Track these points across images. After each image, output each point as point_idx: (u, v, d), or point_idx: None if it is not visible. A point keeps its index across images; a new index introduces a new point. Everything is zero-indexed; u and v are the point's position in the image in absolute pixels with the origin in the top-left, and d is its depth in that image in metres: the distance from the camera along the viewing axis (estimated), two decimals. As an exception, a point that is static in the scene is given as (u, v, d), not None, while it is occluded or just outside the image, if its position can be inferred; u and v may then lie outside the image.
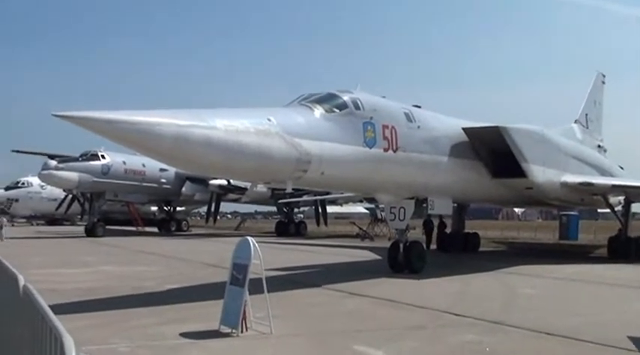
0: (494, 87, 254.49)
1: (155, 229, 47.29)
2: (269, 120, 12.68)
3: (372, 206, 46.85)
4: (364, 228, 42.06)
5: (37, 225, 61.06)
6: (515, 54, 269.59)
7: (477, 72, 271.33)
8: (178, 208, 49.51)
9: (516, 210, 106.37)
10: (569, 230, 41.65)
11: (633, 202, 25.10)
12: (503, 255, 27.58)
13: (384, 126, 15.27)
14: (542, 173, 20.33)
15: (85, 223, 41.94)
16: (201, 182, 42.07)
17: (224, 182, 39.54)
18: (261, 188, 33.17)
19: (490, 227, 49.07)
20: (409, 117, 16.39)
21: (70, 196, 44.89)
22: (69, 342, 2.64)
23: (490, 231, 43.82)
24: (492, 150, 19.15)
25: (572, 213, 40.29)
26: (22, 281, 4.20)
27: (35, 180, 51.45)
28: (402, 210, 16.56)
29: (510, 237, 43.58)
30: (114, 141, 11.24)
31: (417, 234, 24.15)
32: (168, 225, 47.06)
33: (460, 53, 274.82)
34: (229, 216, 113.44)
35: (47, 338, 3.07)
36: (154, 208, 51.17)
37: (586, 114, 32.89)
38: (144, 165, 40.08)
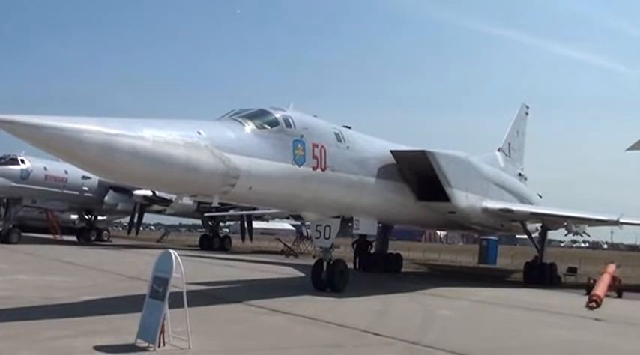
0: (425, 113, 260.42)
1: (74, 238, 45.84)
2: (199, 133, 12.64)
3: (298, 223, 46.95)
4: (289, 245, 42.03)
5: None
6: (445, 82, 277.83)
7: (408, 97, 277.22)
8: (100, 217, 48.18)
9: (439, 232, 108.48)
10: (488, 254, 42.74)
11: (549, 229, 26.07)
12: (424, 276, 28.07)
13: (314, 145, 15.40)
14: (464, 198, 20.87)
15: (-1, 229, 40.23)
16: (126, 192, 41.10)
17: (149, 193, 38.72)
18: (186, 201, 32.68)
19: (413, 248, 49.85)
20: (339, 138, 16.59)
21: (-16, 200, 43.01)
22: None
23: (412, 252, 44.52)
24: (418, 174, 19.54)
25: (491, 237, 41.32)
26: None
27: (-54, 183, 49.14)
28: (327, 228, 16.69)
29: (432, 259, 44.42)
30: (38, 147, 10.91)
31: (340, 252, 24.27)
32: (88, 235, 45.61)
33: (392, 77, 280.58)
34: (152, 227, 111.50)
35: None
36: (74, 216, 49.64)
37: (509, 143, 34.06)
38: (66, 172, 38.87)
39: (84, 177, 39.23)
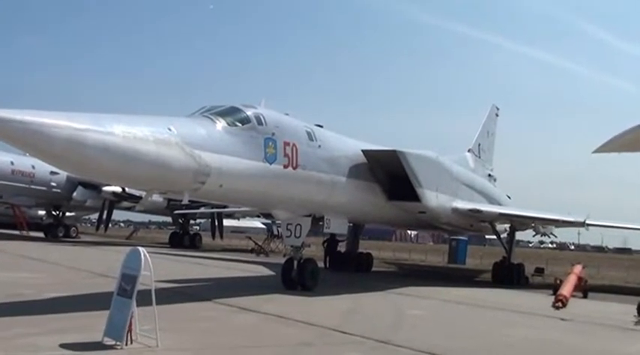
0: (395, 112, 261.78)
1: (41, 234, 45.14)
2: (169, 129, 12.54)
3: (269, 221, 46.79)
4: (260, 243, 41.94)
5: None
6: (416, 82, 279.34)
7: (378, 97, 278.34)
8: (68, 213, 47.50)
9: (410, 232, 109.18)
10: (458, 254, 43.04)
11: (517, 230, 26.37)
12: (394, 275, 28.21)
13: (286, 143, 15.38)
14: (434, 198, 21.00)
15: (-37, 225, 39.60)
16: (94, 188, 40.59)
17: (118, 189, 38.34)
18: (156, 198, 32.47)
19: (383, 248, 50.11)
20: (311, 136, 16.58)
21: (-52, 195, 42.17)
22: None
23: (383, 251, 44.75)
24: (389, 173, 19.62)
25: (461, 237, 41.63)
26: None
27: None
28: (298, 226, 16.69)
29: (402, 258, 44.66)
30: (4, 141, 10.75)
31: (310, 251, 24.28)
32: (56, 231, 44.88)
33: (362, 77, 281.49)
34: (122, 224, 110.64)
35: None
36: (42, 212, 48.93)
37: (479, 144, 34.35)
38: (33, 167, 38.37)
39: (52, 173, 38.71)
